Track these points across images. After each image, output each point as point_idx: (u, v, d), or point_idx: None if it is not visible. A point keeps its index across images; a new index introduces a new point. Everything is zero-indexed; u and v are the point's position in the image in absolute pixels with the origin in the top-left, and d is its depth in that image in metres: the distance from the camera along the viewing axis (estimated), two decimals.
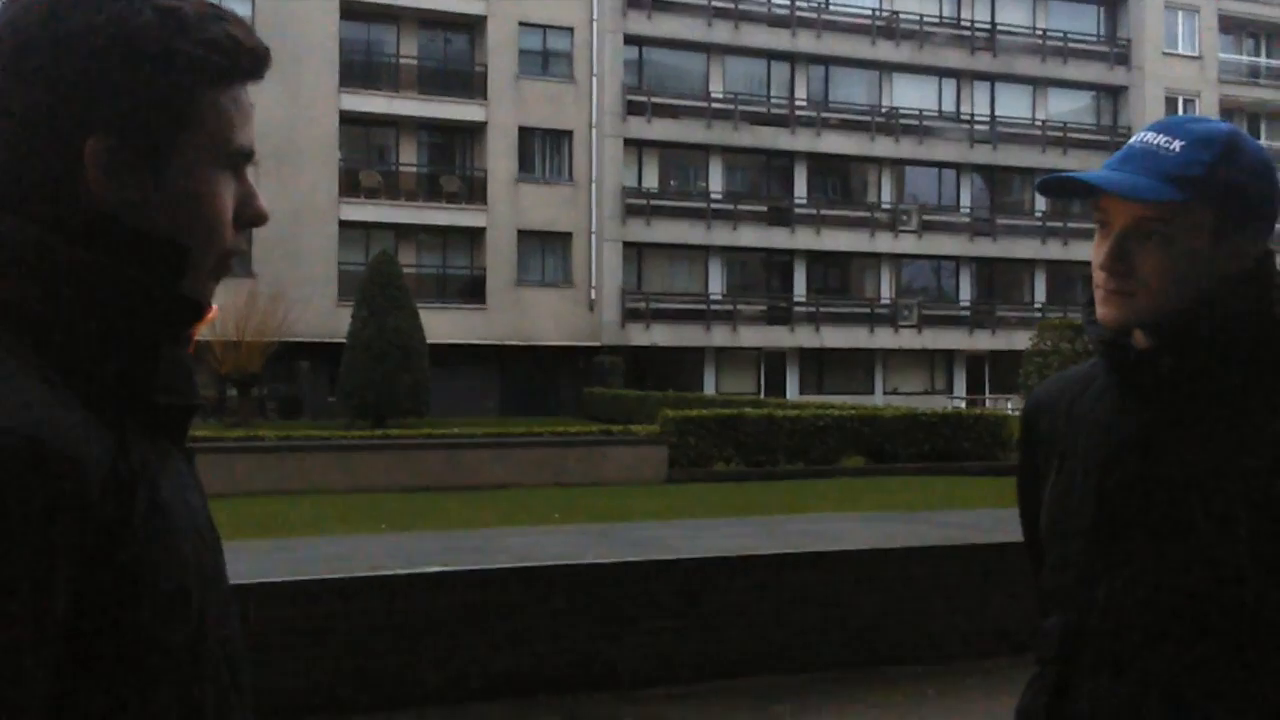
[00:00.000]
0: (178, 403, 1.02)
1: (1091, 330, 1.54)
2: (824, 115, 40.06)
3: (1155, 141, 1.46)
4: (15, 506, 0.84)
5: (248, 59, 1.05)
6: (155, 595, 0.94)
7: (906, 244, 40.61)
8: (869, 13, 40.82)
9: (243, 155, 1.06)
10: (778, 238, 39.29)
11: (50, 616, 0.86)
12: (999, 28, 42.50)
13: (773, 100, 39.93)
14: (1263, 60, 46.45)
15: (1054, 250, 42.13)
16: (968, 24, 42.22)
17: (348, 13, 34.94)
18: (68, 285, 0.96)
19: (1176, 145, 1.44)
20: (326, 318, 33.02)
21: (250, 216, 1.08)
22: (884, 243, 40.40)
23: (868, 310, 40.27)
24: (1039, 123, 42.83)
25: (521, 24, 36.57)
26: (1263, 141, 43.68)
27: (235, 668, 1.04)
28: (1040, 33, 42.94)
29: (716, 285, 39.15)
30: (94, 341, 0.96)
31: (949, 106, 42.35)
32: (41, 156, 0.97)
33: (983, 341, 41.21)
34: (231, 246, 1.06)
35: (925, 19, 41.39)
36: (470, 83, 36.52)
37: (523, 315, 36.20)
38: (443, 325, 33.48)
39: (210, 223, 1.03)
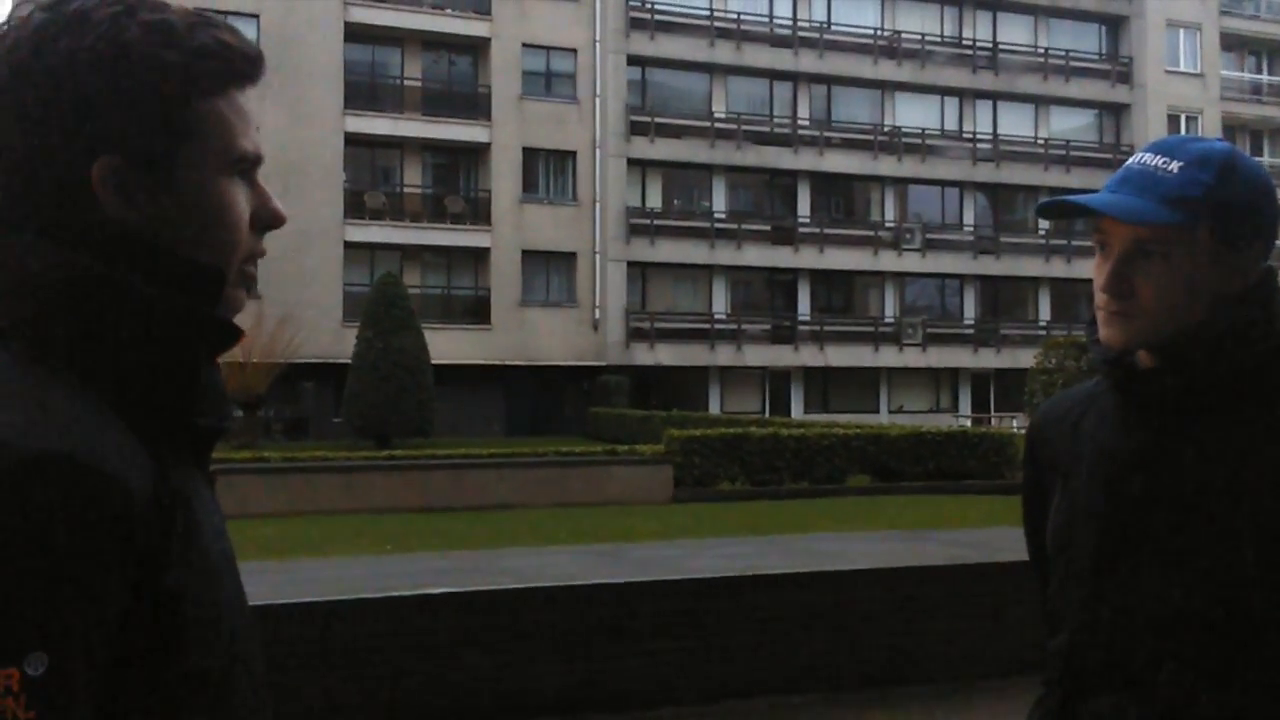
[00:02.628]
0: (213, 425, 1.03)
1: (1095, 350, 1.54)
2: (827, 134, 40.16)
3: (1153, 163, 1.47)
4: (65, 529, 0.86)
5: (241, 63, 1.05)
6: (192, 619, 0.95)
7: (910, 262, 40.62)
8: (871, 32, 40.96)
9: (250, 160, 1.06)
10: (781, 257, 39.34)
11: (98, 638, 0.88)
12: (1001, 47, 42.61)
13: (776, 120, 40.03)
14: (1265, 77, 46.53)
15: (1058, 268, 42.13)
16: (969, 43, 42.34)
17: (352, 35, 35.10)
18: (107, 309, 0.97)
19: (1174, 166, 1.45)
20: (331, 339, 33.06)
21: (267, 219, 1.09)
22: (888, 261, 40.42)
23: (872, 329, 40.26)
24: (1041, 141, 42.90)
25: (525, 45, 36.72)
26: (1265, 158, 43.76)
27: (259, 691, 1.05)
28: (1042, 51, 43.05)
29: (721, 304, 39.17)
30: (134, 365, 0.97)
31: (951, 125, 42.44)
32: (54, 183, 0.98)
33: (987, 360, 41.17)
34: (252, 251, 1.07)
35: (927, 38, 41.52)
36: (474, 104, 36.66)
37: (527, 335, 36.23)
38: (447, 346, 33.50)
39: (228, 230, 1.04)
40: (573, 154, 37.29)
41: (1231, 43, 45.58)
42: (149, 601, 0.91)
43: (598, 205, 37.23)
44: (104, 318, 0.97)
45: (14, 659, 0.83)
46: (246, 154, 1.06)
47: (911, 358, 40.31)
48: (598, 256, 37.15)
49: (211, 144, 1.03)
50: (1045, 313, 42.73)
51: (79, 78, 0.97)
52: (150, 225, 1.01)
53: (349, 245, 34.69)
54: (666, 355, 37.57)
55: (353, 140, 34.95)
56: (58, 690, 0.84)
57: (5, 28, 1.01)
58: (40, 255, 0.97)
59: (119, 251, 0.99)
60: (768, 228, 39.43)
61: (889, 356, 40.12)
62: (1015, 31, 43.35)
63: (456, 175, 37.68)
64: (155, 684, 0.93)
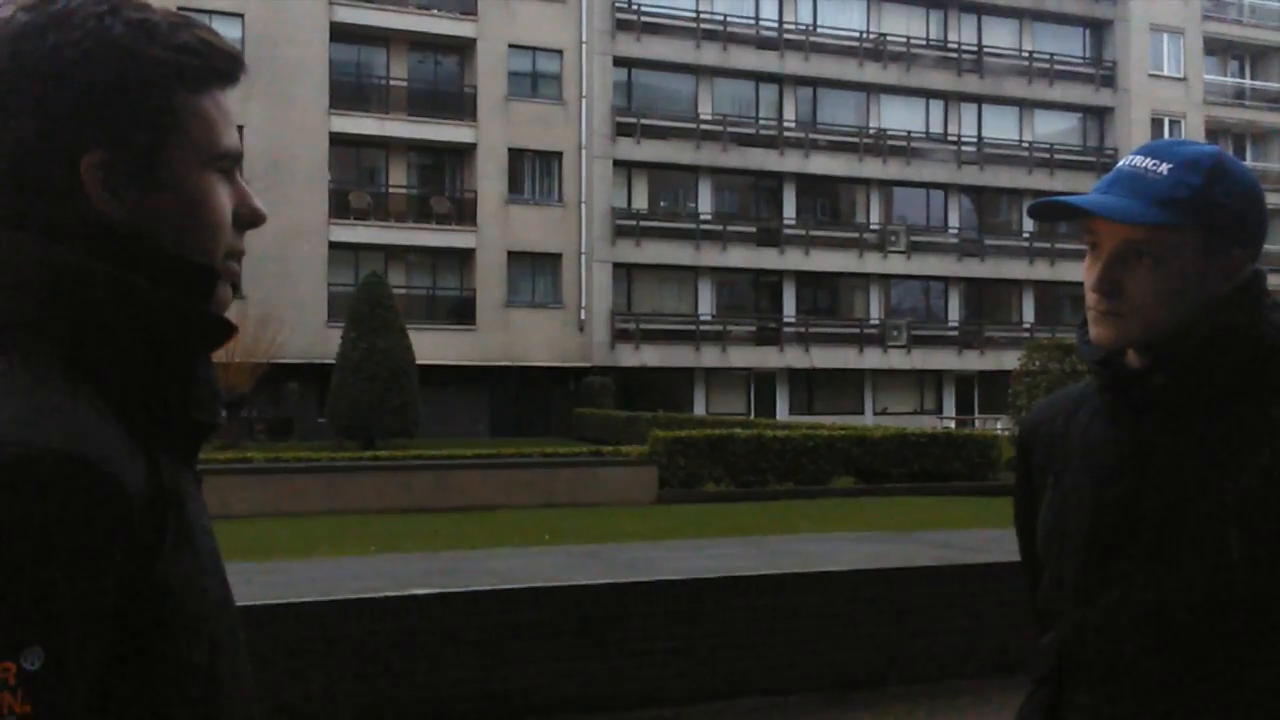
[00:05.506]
0: (206, 421, 1.04)
1: (1085, 350, 1.56)
2: (812, 136, 40.22)
3: (1143, 165, 1.49)
4: (63, 525, 0.87)
5: (223, 61, 1.07)
6: (181, 615, 0.96)
7: (895, 264, 40.72)
8: (856, 35, 41.04)
9: (231, 157, 1.08)
10: (767, 258, 39.38)
11: (94, 633, 0.89)
12: (986, 50, 42.74)
13: (761, 122, 40.08)
14: (1247, 82, 46.78)
15: (1042, 271, 42.29)
16: (954, 46, 42.46)
17: (338, 35, 35.01)
18: (101, 305, 0.98)
19: (1164, 168, 1.47)
20: (316, 339, 32.96)
21: (248, 217, 1.10)
22: (872, 263, 40.50)
23: (857, 331, 40.34)
24: (1026, 144, 43.05)
25: (511, 46, 36.69)
26: (1249, 162, 43.98)
27: (243, 689, 1.06)
28: (1027, 55, 43.22)
29: (706, 306, 39.19)
30: (128, 361, 0.98)
31: (936, 128, 42.55)
32: (43, 179, 0.99)
33: (972, 362, 41.29)
34: (234, 248, 1.08)
35: (912, 41, 41.63)
36: (460, 104, 36.60)
37: (512, 336, 36.18)
38: (432, 346, 33.43)
39: (211, 226, 1.05)
40: (558, 155, 37.27)
41: (1215, 47, 45.82)
42: (140, 596, 0.92)
43: (583, 206, 37.22)
44: (98, 314, 0.97)
45: (11, 653, 0.84)
46: (228, 151, 1.07)
47: (896, 359, 40.41)
48: (583, 257, 37.13)
49: (195, 140, 1.04)
50: (1029, 315, 42.88)
51: (64, 74, 0.98)
52: (138, 220, 1.01)
53: (333, 245, 34.60)
54: (652, 356, 37.57)
55: (338, 140, 34.85)
56: (54, 684, 0.85)
57: None
58: (34, 251, 0.97)
59: (111, 247, 1.00)
60: (753, 229, 39.47)
61: (873, 358, 40.20)
62: (1000, 35, 43.50)
63: (442, 176, 37.61)
64: (144, 678, 0.94)
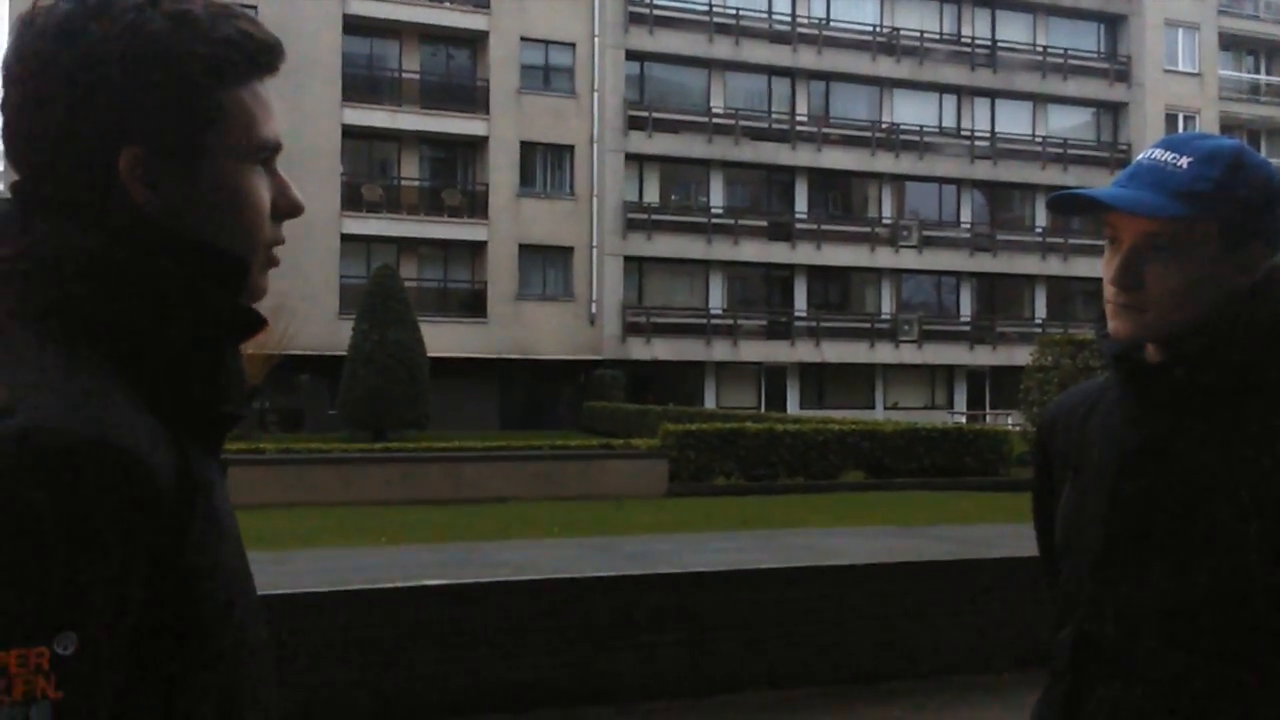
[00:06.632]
0: (235, 412, 1.05)
1: (1104, 344, 1.56)
2: (825, 131, 40.14)
3: (1163, 158, 1.48)
4: (96, 511, 0.87)
5: (262, 53, 1.08)
6: (206, 602, 0.97)
7: (907, 259, 40.64)
8: (869, 29, 40.94)
9: (270, 148, 1.09)
10: (778, 252, 39.33)
11: (124, 619, 0.89)
12: (999, 44, 42.61)
13: (774, 115, 40.01)
14: (1262, 77, 46.58)
15: (1054, 266, 42.17)
16: (968, 40, 42.33)
17: (350, 27, 35.05)
18: (134, 295, 0.98)
19: (1184, 162, 1.46)
20: (328, 331, 33.03)
21: (286, 208, 1.11)
22: (884, 258, 40.43)
23: (868, 325, 40.28)
24: (1039, 139, 42.91)
25: (523, 39, 36.69)
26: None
27: (265, 679, 1.07)
28: (1040, 49, 43.07)
29: (717, 300, 39.17)
30: (159, 350, 0.98)
31: (949, 122, 42.44)
32: (82, 170, 0.99)
33: (983, 357, 41.21)
34: (273, 238, 1.10)
35: (926, 35, 41.51)
36: (472, 97, 36.61)
37: (523, 329, 36.22)
38: (443, 338, 33.48)
39: (251, 217, 1.06)
40: (570, 148, 37.27)
41: (1229, 42, 45.62)
42: (169, 583, 0.93)
43: (595, 200, 37.21)
44: (131, 304, 0.98)
45: (45, 638, 0.84)
46: (267, 142, 1.08)
47: (907, 354, 40.35)
48: (594, 251, 37.14)
49: (234, 133, 1.05)
50: (1041, 310, 42.78)
51: (105, 69, 0.98)
52: (176, 213, 1.02)
53: (346, 237, 34.66)
54: (662, 350, 37.57)
55: (350, 132, 34.90)
56: (86, 669, 0.86)
57: (31, 17, 1.02)
58: (69, 240, 0.98)
59: (146, 238, 1.00)
60: (765, 224, 39.43)
61: (885, 353, 40.15)
62: (1014, 29, 43.35)
63: (454, 168, 37.64)
64: (172, 664, 0.94)
